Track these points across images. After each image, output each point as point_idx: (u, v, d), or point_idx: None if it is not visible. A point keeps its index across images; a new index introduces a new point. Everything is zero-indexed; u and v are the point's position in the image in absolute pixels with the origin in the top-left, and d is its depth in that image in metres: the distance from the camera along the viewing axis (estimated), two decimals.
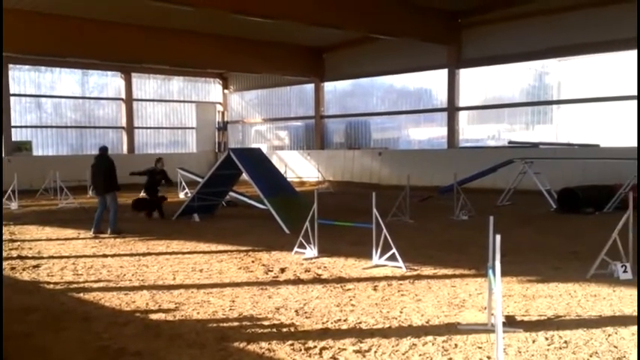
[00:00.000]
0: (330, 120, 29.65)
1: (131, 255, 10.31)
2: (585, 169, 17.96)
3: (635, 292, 7.12)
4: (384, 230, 8.75)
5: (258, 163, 14.80)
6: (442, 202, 16.83)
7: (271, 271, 8.77)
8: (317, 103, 29.58)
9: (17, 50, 22.02)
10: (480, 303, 6.70)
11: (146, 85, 31.38)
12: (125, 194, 16.38)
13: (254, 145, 30.83)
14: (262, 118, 32.77)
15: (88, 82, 29.68)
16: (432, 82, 25.23)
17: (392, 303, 6.86)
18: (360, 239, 10.49)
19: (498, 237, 4.60)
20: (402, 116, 26.72)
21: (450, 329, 5.83)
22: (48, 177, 21.67)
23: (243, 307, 6.79)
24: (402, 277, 8.18)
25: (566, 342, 5.39)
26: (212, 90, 33.91)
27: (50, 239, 12.19)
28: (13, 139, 26.59)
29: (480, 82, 23.78)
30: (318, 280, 8.16)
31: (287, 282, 8.04)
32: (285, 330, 5.93)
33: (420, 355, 5.16)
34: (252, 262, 9.49)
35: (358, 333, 5.78)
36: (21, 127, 27.10)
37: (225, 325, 6.16)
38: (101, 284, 8.12)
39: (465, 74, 23.96)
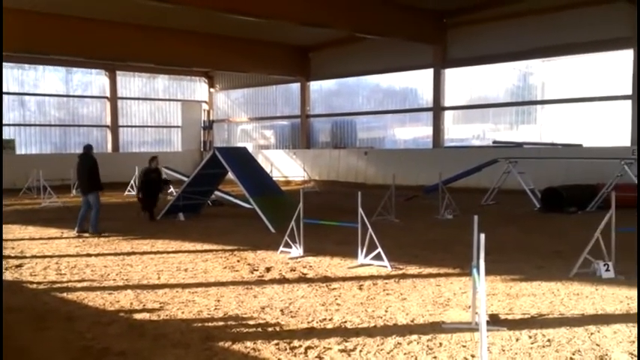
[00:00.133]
0: (315, 119, 29.66)
1: (115, 254, 10.24)
2: (568, 169, 18.13)
3: (617, 290, 7.20)
4: (370, 229, 8.77)
5: (243, 162, 14.76)
6: (427, 202, 16.90)
7: (257, 270, 8.76)
8: (303, 103, 29.58)
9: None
10: (465, 302, 6.74)
11: (131, 83, 31.20)
12: (108, 193, 16.23)
13: (240, 144, 30.75)
14: (248, 117, 32.71)
15: (72, 80, 29.47)
16: (418, 82, 25.34)
17: (377, 302, 6.87)
18: (345, 238, 10.50)
19: (483, 236, 4.63)
20: (387, 116, 26.81)
21: (435, 328, 5.85)
22: (31, 176, 21.49)
23: (229, 306, 6.77)
24: (388, 276, 8.20)
25: (549, 340, 5.43)
26: (198, 88, 33.79)
27: (33, 238, 12.07)
28: None
29: (465, 82, 23.92)
30: (303, 279, 8.16)
31: (272, 281, 8.03)
32: (270, 329, 5.92)
33: (404, 353, 5.17)
34: (238, 261, 9.47)
35: (343, 332, 5.78)
36: (4, 125, 26.79)
37: (210, 324, 6.14)
38: (85, 284, 8.06)
39: (450, 74, 24.08)
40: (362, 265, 8.87)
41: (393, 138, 26.97)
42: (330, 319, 6.19)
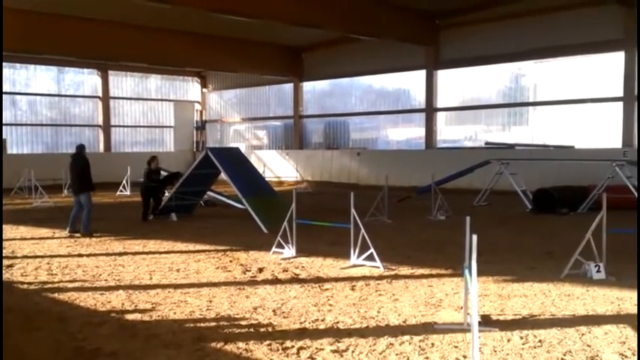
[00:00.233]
0: (308, 120, 29.66)
1: (107, 254, 10.21)
2: (560, 170, 18.20)
3: (608, 291, 7.24)
4: (362, 230, 8.78)
5: (236, 162, 14.74)
6: (420, 203, 16.93)
7: (249, 270, 8.74)
8: (296, 103, 29.58)
9: None
10: (457, 302, 6.75)
11: (123, 83, 31.10)
12: (100, 194, 16.15)
13: (232, 145, 30.70)
14: (241, 117, 32.67)
15: (64, 79, 29.34)
16: (411, 83, 25.39)
17: (369, 303, 6.88)
18: (338, 239, 10.50)
19: (475, 237, 4.65)
20: (380, 116, 26.85)
21: (427, 329, 5.86)
22: (22, 175, 21.37)
23: (221, 307, 6.76)
24: (380, 277, 8.21)
25: (540, 341, 5.46)
26: (190, 89, 33.71)
27: (24, 238, 12.01)
28: None
29: (458, 84, 23.98)
30: (296, 279, 8.16)
31: (265, 282, 8.02)
32: (262, 330, 5.91)
33: (397, 354, 5.18)
34: (230, 261, 9.45)
35: (336, 333, 5.78)
36: None
37: (202, 325, 6.13)
38: (76, 284, 8.02)
39: (442, 75, 24.14)
40: (354, 266, 8.87)
41: (386, 139, 27.01)
42: (322, 320, 6.19)
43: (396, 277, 8.23)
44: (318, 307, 6.68)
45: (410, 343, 5.43)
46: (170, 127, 32.72)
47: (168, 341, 5.58)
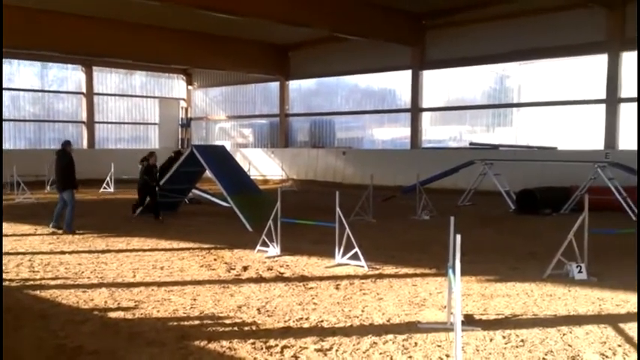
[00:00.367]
0: (294, 118, 29.63)
1: (90, 252, 10.13)
2: (543, 171, 18.35)
3: (589, 291, 7.32)
4: (347, 229, 8.80)
5: (221, 160, 14.70)
6: (404, 202, 16.99)
7: (233, 269, 8.73)
8: (282, 102, 29.53)
9: None
10: (440, 302, 6.79)
11: (108, 79, 30.85)
12: (84, 190, 16.01)
13: (218, 143, 30.57)
14: (226, 115, 32.55)
15: (48, 75, 29.04)
16: (396, 83, 25.45)
17: (354, 302, 6.90)
18: (322, 238, 10.51)
19: (459, 237, 4.68)
20: (366, 116, 26.88)
21: (411, 328, 5.89)
22: (5, 171, 21.12)
23: (205, 305, 6.74)
24: (364, 276, 8.23)
25: (522, 340, 5.51)
26: (176, 86, 33.53)
27: (6, 235, 11.85)
28: None
29: (443, 84, 24.07)
30: (280, 278, 8.16)
31: (249, 280, 8.01)
32: (246, 328, 5.91)
33: (380, 353, 5.20)
34: (215, 260, 9.43)
35: (320, 331, 5.79)
36: None
37: (185, 323, 6.11)
38: (58, 281, 7.96)
39: (428, 76, 24.22)
40: (339, 265, 8.89)
41: (372, 138, 27.05)
42: (306, 319, 6.20)
43: (381, 276, 8.26)
44: (302, 306, 6.68)
45: (393, 342, 5.46)
46: (155, 124, 32.52)
47: (151, 339, 5.55)
